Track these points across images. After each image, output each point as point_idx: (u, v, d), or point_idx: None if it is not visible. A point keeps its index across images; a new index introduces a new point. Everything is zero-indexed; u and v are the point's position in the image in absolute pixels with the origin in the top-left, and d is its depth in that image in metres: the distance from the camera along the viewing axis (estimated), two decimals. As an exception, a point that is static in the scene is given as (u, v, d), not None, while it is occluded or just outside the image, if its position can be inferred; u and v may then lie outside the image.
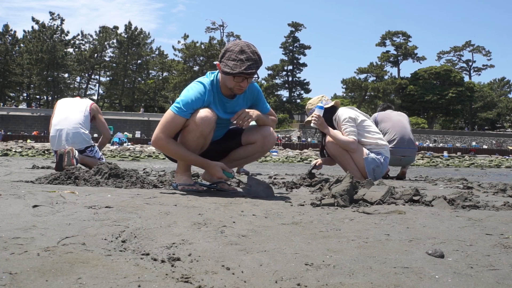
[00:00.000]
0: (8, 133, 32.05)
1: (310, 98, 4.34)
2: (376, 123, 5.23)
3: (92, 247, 1.25)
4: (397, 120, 5.26)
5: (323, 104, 3.92)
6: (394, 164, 5.17)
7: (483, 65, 70.98)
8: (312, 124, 3.86)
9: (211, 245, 1.30)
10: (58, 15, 53.35)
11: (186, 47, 52.72)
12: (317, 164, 4.45)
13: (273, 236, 1.45)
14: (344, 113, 3.84)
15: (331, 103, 3.98)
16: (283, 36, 66.44)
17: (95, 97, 59.05)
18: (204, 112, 2.52)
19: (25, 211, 1.72)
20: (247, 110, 2.64)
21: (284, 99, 64.03)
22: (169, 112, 2.57)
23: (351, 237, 1.47)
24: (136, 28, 57.00)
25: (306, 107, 4.18)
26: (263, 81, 61.70)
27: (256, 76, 2.58)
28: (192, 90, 2.58)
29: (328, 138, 3.88)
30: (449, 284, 1.02)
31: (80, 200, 2.05)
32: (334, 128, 3.92)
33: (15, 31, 54.39)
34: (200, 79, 2.67)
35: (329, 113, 3.92)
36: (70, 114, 4.63)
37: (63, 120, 4.58)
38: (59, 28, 53.18)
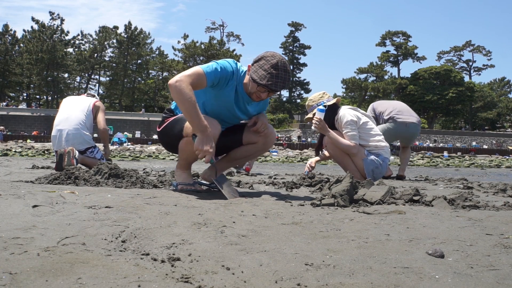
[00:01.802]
0: (8, 133, 32.05)
1: (318, 92, 4.31)
2: (374, 110, 5.34)
3: (92, 247, 1.24)
4: (394, 102, 5.46)
5: (324, 104, 3.90)
6: (402, 134, 5.11)
7: (483, 65, 70.97)
8: (313, 128, 3.86)
9: (211, 245, 1.30)
10: (58, 15, 53.25)
11: (186, 47, 52.73)
12: (312, 165, 4.48)
13: (273, 236, 1.45)
14: (346, 114, 3.81)
15: (333, 101, 3.97)
16: (283, 36, 66.56)
17: (95, 97, 58.91)
18: (209, 126, 2.46)
19: (25, 211, 1.72)
20: (263, 121, 2.76)
21: (284, 99, 64.01)
22: (197, 68, 2.47)
23: (351, 237, 1.47)
24: (136, 28, 56.99)
25: (306, 103, 4.17)
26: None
27: (277, 94, 2.62)
28: (223, 63, 2.56)
29: (328, 139, 3.87)
30: (449, 284, 1.02)
31: (80, 200, 2.05)
32: (334, 127, 3.91)
33: (15, 31, 54.38)
34: (231, 61, 2.62)
35: (331, 112, 3.90)
36: (71, 113, 4.60)
37: (64, 120, 4.56)
38: (59, 28, 53.13)
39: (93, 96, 5.15)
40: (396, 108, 5.20)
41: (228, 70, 2.56)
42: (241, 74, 2.63)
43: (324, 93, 4.09)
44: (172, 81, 2.39)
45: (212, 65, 2.52)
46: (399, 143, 5.56)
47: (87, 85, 61.15)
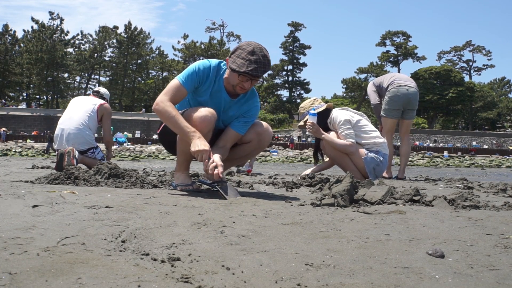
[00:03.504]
0: (9, 133, 32.03)
1: (309, 98, 4.33)
2: (374, 83, 5.40)
3: (92, 247, 1.24)
4: (392, 72, 5.54)
5: (315, 109, 3.91)
6: (403, 100, 5.11)
7: (484, 65, 71.11)
8: (307, 133, 3.89)
9: (211, 245, 1.30)
10: (58, 14, 53.42)
11: (186, 47, 52.77)
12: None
13: (273, 236, 1.45)
14: (339, 115, 3.81)
15: (323, 107, 3.97)
16: (283, 36, 66.63)
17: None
18: (204, 112, 2.49)
19: (25, 211, 1.72)
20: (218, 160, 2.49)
21: (284, 99, 64.07)
22: (174, 81, 2.56)
23: (351, 237, 1.46)
24: (136, 28, 57.02)
25: (298, 111, 4.19)
26: (263, 81, 61.69)
27: (260, 80, 2.59)
28: (197, 64, 2.59)
29: (325, 142, 3.87)
30: (449, 284, 1.02)
31: (80, 200, 2.04)
32: (329, 130, 3.91)
33: (14, 31, 54.44)
34: (210, 60, 2.65)
35: (323, 117, 3.91)
36: (75, 113, 4.61)
37: (67, 119, 4.59)
38: (58, 28, 53.16)
39: (102, 96, 5.11)
40: (395, 76, 5.36)
41: (205, 68, 2.57)
42: (220, 72, 2.62)
43: (315, 99, 4.11)
44: (154, 105, 2.51)
45: (187, 70, 2.55)
46: (399, 143, 5.56)
47: (87, 85, 61.20)
